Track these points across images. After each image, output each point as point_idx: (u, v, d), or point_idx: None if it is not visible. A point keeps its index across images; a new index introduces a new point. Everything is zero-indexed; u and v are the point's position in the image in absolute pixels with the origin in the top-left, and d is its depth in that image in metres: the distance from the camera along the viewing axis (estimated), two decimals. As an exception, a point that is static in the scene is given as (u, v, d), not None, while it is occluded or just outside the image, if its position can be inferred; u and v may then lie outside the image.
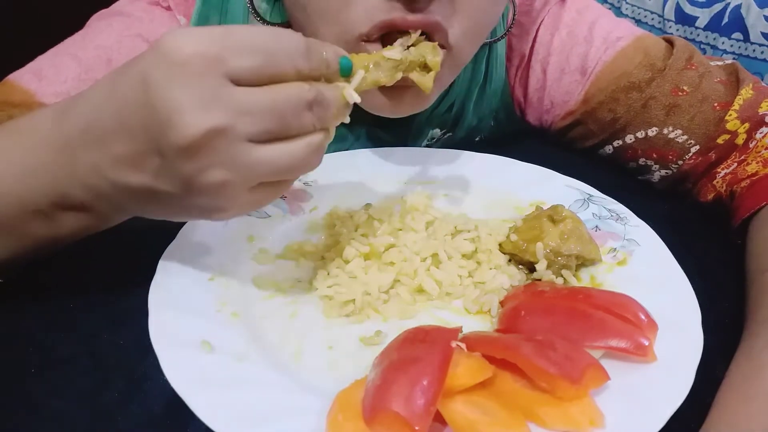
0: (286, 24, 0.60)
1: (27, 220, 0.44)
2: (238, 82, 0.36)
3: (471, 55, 0.59)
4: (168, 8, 0.62)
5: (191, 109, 0.35)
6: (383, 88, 0.49)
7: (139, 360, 0.42)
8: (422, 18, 0.49)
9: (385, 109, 0.55)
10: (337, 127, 0.42)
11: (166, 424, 0.40)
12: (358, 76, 0.42)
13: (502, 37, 0.66)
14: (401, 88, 0.52)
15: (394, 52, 0.47)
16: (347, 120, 0.42)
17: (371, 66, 0.45)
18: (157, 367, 0.39)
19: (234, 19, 0.62)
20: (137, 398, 0.42)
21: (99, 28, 0.62)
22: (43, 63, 0.61)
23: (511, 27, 0.66)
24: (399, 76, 0.47)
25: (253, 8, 0.60)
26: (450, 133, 0.71)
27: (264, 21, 0.60)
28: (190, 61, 0.35)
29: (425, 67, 0.49)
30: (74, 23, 0.64)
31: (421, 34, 0.50)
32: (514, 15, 0.66)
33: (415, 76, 0.49)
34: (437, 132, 0.70)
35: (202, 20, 0.61)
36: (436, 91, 0.57)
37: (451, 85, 0.66)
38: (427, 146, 0.71)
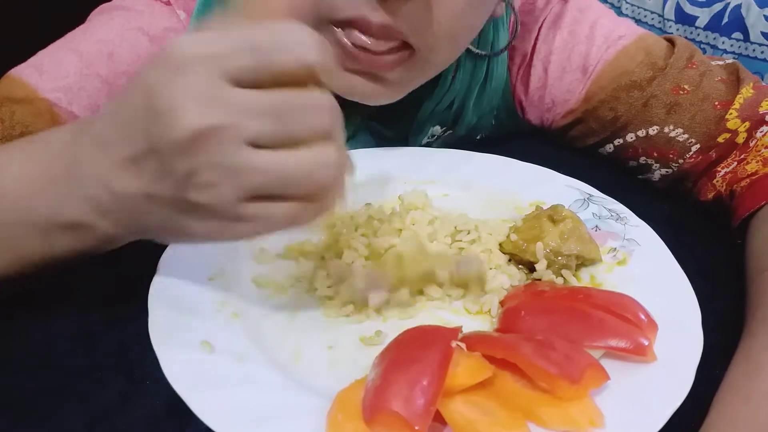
0: None
1: (24, 236, 0.43)
2: (239, 83, 0.35)
3: (445, 61, 0.59)
4: (168, 3, 0.62)
5: (188, 106, 0.34)
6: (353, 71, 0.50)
7: (139, 360, 0.42)
8: (388, 28, 0.50)
9: (341, 83, 0.55)
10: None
11: (166, 424, 0.40)
12: None
13: (503, 49, 0.66)
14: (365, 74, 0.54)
15: None
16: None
17: None
18: (157, 367, 0.39)
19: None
20: (137, 398, 0.42)
21: (100, 22, 0.62)
22: (44, 58, 0.60)
23: (513, 39, 0.66)
24: None
25: None
26: (450, 131, 0.71)
27: None
28: (189, 62, 0.35)
29: None
30: (76, 18, 0.64)
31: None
32: (516, 29, 0.66)
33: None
34: (438, 129, 0.70)
35: (203, 15, 0.61)
36: (398, 93, 0.57)
37: (451, 82, 0.66)
38: (428, 143, 0.71)
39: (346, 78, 0.55)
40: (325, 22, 0.52)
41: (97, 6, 0.64)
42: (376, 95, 0.57)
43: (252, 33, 0.35)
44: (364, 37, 0.51)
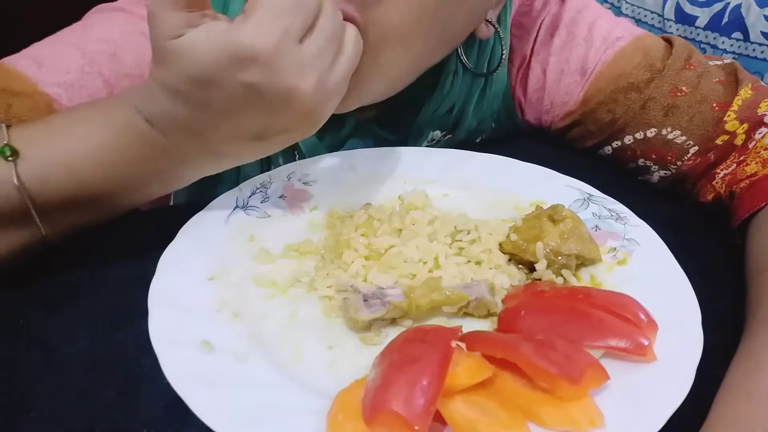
0: None
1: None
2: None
3: (399, 70, 0.55)
4: None
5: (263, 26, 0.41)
6: None
7: (139, 360, 0.42)
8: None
9: None
10: (336, 115, 0.47)
11: (166, 424, 0.40)
12: None
13: (497, 68, 0.66)
14: None
15: None
16: None
17: None
18: (156, 367, 0.39)
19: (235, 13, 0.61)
20: (136, 398, 0.42)
21: (99, 21, 0.62)
22: (42, 51, 0.59)
23: (503, 58, 0.65)
24: None
25: None
26: (450, 135, 0.71)
27: None
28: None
29: None
30: (70, 16, 0.63)
31: None
32: (504, 51, 0.65)
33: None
34: (438, 134, 0.70)
35: None
36: (354, 101, 0.54)
37: (451, 87, 0.66)
38: (428, 147, 0.71)
39: None
40: None
41: (92, 6, 0.64)
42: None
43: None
44: None
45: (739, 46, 1.05)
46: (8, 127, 0.48)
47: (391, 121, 0.62)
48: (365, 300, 0.45)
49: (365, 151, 0.63)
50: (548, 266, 0.49)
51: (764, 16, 1.01)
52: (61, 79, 0.57)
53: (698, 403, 0.40)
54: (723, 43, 1.06)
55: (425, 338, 0.40)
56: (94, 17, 0.62)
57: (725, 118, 0.60)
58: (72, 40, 0.60)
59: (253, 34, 0.41)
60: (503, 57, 0.65)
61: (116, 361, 0.44)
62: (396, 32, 0.51)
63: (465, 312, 0.47)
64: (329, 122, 0.47)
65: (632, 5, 1.16)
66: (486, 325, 0.47)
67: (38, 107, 0.56)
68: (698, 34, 1.08)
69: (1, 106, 0.54)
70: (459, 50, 0.63)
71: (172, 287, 0.45)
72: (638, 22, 1.15)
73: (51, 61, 0.58)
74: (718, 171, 0.61)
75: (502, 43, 0.64)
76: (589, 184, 0.59)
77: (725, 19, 1.05)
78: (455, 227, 0.53)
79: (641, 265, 0.50)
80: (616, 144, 0.67)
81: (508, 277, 0.49)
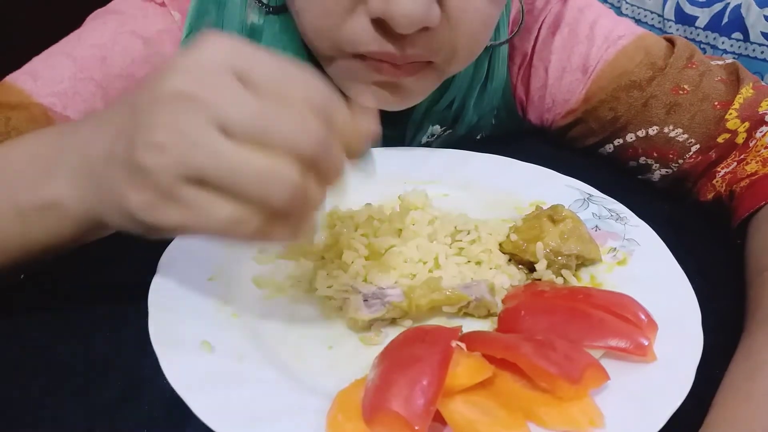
0: (282, 7, 0.61)
1: (3, 220, 0.43)
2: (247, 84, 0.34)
3: (462, 68, 0.60)
4: (162, 4, 0.62)
5: (183, 72, 0.34)
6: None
7: (139, 360, 0.42)
8: (406, 54, 0.52)
9: (360, 97, 0.56)
10: None
11: (166, 424, 0.40)
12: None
13: (506, 41, 0.67)
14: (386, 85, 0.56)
15: None
16: None
17: None
18: (156, 367, 0.39)
19: (232, 11, 0.62)
20: (136, 398, 0.42)
21: (93, 27, 0.62)
22: (39, 64, 0.60)
23: (519, 28, 0.66)
24: None
25: None
26: (450, 130, 0.71)
27: (261, 3, 0.61)
28: (206, 47, 0.34)
29: None
30: (72, 24, 0.64)
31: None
32: (522, 16, 0.66)
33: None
34: (437, 129, 0.70)
35: (199, 15, 0.61)
36: (413, 100, 0.59)
37: (451, 81, 0.66)
38: (428, 142, 0.71)
39: (360, 88, 0.56)
40: (340, 54, 0.54)
41: (92, 11, 0.64)
42: (390, 103, 0.58)
43: (282, 59, 0.35)
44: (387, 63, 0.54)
45: (739, 47, 1.05)
46: None
47: (390, 115, 0.62)
48: (365, 300, 0.45)
49: (365, 151, 0.63)
50: (548, 266, 0.49)
51: (764, 16, 1.01)
52: (56, 88, 0.58)
53: (698, 403, 0.40)
54: (723, 43, 1.06)
55: (425, 338, 0.40)
56: (90, 24, 0.63)
57: (727, 117, 0.61)
58: (66, 50, 0.61)
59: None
60: (521, 24, 0.66)
61: (116, 361, 0.44)
62: (467, 49, 0.55)
63: (465, 312, 0.47)
64: None
65: (632, 5, 1.16)
66: (486, 325, 0.47)
67: (35, 118, 0.57)
68: (698, 35, 1.09)
69: (0, 120, 0.56)
70: None
71: (172, 287, 0.45)
72: (638, 22, 1.15)
73: (46, 73, 0.59)
74: (719, 169, 0.61)
75: (522, 8, 0.66)
76: (589, 184, 0.59)
77: (725, 20, 1.05)
78: (455, 227, 0.53)
79: (641, 265, 0.50)
80: (617, 142, 0.67)
81: (508, 277, 0.49)
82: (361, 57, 0.54)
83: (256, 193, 0.34)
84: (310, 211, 0.37)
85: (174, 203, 0.34)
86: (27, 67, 0.61)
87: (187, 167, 0.33)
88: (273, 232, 0.36)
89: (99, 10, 0.64)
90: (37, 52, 0.62)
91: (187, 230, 0.36)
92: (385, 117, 0.65)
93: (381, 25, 0.50)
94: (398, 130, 0.69)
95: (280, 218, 0.36)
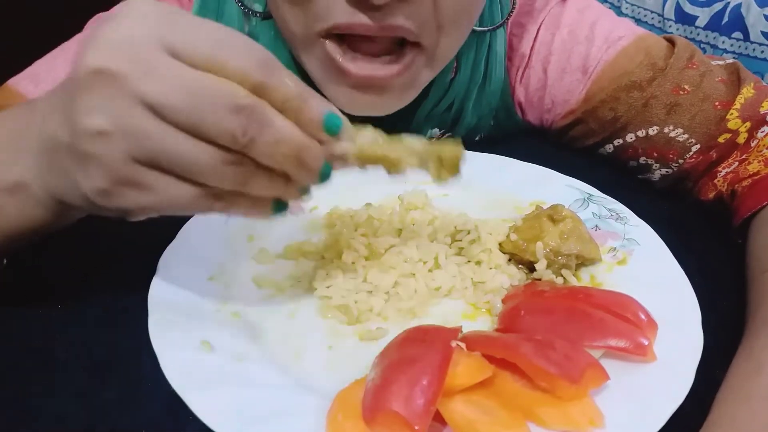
0: (266, 13, 0.61)
1: None
2: (175, 56, 0.33)
3: (451, 51, 0.58)
4: None
5: (102, 48, 0.33)
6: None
7: (139, 360, 0.42)
8: (384, 25, 0.50)
9: (343, 101, 0.55)
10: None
11: (166, 424, 0.40)
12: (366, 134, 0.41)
13: (503, 22, 0.66)
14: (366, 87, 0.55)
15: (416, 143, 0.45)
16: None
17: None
18: (156, 367, 0.39)
19: (230, 20, 0.62)
20: (136, 398, 0.42)
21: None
22: (40, 67, 0.61)
23: (512, 12, 0.66)
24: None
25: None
26: (449, 133, 0.71)
27: (246, 8, 0.61)
28: (134, 29, 0.33)
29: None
30: (73, 28, 0.64)
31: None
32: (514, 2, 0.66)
33: (432, 170, 0.46)
34: (436, 131, 0.70)
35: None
36: (413, 92, 0.59)
37: (450, 84, 0.66)
38: None
39: (347, 94, 0.55)
40: (315, 37, 0.53)
41: (94, 15, 0.64)
42: (382, 107, 0.57)
43: (213, 24, 0.34)
44: (368, 66, 0.53)
45: (739, 46, 1.05)
46: None
47: (388, 117, 0.62)
48: None
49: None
50: (548, 266, 0.49)
51: (764, 15, 1.01)
52: None
53: (698, 403, 0.40)
54: (723, 42, 1.06)
55: (425, 338, 0.40)
56: (91, 28, 0.63)
57: (727, 117, 0.60)
58: (66, 54, 0.62)
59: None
60: (512, 11, 0.66)
61: (116, 361, 0.44)
62: (451, 21, 0.53)
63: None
64: None
65: (632, 5, 1.16)
66: (486, 325, 0.47)
67: None
68: (698, 34, 1.08)
69: None
70: None
71: (172, 287, 0.45)
72: (638, 22, 1.15)
73: (45, 77, 0.60)
74: (720, 169, 0.61)
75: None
76: (589, 184, 0.59)
77: (725, 19, 1.05)
78: (455, 227, 0.53)
79: (641, 265, 0.50)
80: (617, 142, 0.67)
81: (508, 277, 0.49)
82: (338, 39, 0.53)
83: (195, 174, 0.34)
84: (269, 190, 0.37)
85: (129, 187, 0.34)
86: (28, 71, 0.61)
87: (134, 152, 0.33)
88: (236, 206, 0.37)
89: (101, 14, 0.64)
90: (38, 57, 0.62)
91: (154, 211, 0.36)
92: (384, 118, 0.65)
93: None
94: (397, 132, 0.68)
95: (239, 194, 0.36)
